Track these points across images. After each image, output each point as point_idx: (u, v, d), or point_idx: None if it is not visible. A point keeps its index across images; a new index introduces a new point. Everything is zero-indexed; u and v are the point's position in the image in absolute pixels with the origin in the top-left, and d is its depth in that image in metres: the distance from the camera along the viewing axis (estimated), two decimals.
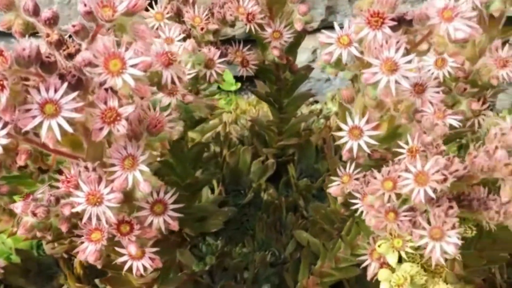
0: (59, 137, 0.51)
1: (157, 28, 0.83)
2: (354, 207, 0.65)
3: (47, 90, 0.51)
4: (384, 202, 0.59)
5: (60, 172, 0.60)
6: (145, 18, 0.83)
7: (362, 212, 0.64)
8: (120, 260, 0.67)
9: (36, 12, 0.55)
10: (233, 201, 1.20)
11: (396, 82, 0.57)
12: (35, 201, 0.63)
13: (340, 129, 0.69)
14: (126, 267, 0.67)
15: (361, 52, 0.62)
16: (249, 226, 1.18)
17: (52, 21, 0.54)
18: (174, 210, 0.68)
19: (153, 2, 0.85)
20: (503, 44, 0.82)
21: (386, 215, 0.61)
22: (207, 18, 0.83)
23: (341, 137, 0.68)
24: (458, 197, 0.61)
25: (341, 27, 0.64)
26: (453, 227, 0.55)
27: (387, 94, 0.58)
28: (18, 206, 0.61)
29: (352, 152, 0.68)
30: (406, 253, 0.66)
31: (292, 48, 0.99)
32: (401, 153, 0.63)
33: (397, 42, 0.57)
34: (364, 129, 0.68)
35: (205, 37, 0.83)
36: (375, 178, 0.60)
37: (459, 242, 0.55)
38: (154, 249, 0.68)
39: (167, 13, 0.84)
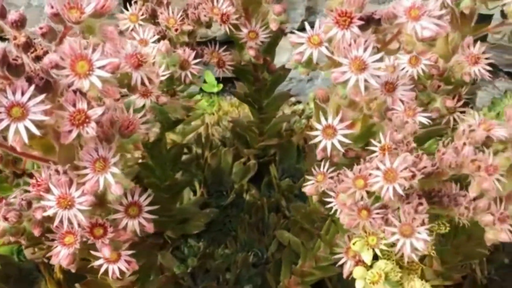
0: (26, 140, 0.50)
1: (132, 30, 0.83)
2: (328, 206, 0.66)
3: (14, 93, 0.51)
4: (356, 200, 0.59)
5: (31, 176, 0.59)
6: (119, 20, 0.82)
7: (336, 210, 0.65)
8: (96, 263, 0.67)
9: (2, 14, 0.55)
10: (216, 203, 1.20)
11: (365, 81, 0.58)
12: (8, 206, 0.62)
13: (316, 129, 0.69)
14: (102, 270, 0.67)
15: (332, 52, 0.63)
16: (232, 227, 1.18)
17: (19, 24, 0.54)
18: (149, 212, 0.68)
19: (128, 4, 0.85)
20: (475, 41, 0.83)
21: (359, 213, 0.61)
22: (182, 19, 0.83)
23: (315, 136, 0.69)
24: (429, 193, 0.62)
25: (312, 27, 0.64)
26: (423, 224, 0.56)
27: (357, 93, 0.59)
28: None
29: (326, 151, 0.68)
30: (381, 250, 0.67)
31: (270, 48, 0.99)
32: (375, 151, 0.64)
33: (366, 41, 0.58)
34: (337, 128, 0.68)
35: (180, 38, 0.83)
36: (347, 176, 0.61)
37: (429, 238, 0.56)
38: (130, 252, 0.67)
39: (142, 14, 0.84)
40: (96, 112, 0.53)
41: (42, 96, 0.51)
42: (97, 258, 0.66)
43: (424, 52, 0.60)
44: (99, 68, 0.50)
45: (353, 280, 0.70)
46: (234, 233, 1.16)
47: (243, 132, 1.21)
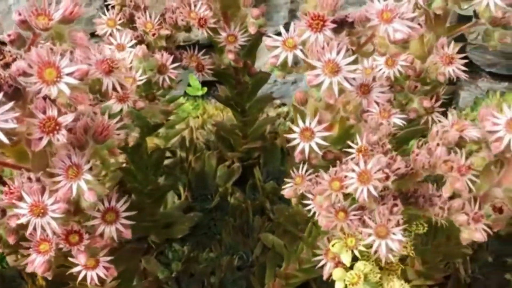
0: None
1: (110, 35, 0.82)
2: (307, 208, 0.66)
3: None
4: (332, 202, 0.59)
5: (3, 183, 0.59)
6: (96, 25, 0.82)
7: (315, 213, 0.65)
8: (75, 270, 0.66)
9: None
10: (200, 206, 1.20)
11: (339, 83, 0.58)
12: None
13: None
14: (80, 277, 0.66)
15: (307, 55, 0.63)
16: (216, 230, 1.18)
17: None
18: (128, 217, 0.67)
19: (105, 9, 0.85)
20: (456, 41, 0.83)
21: (336, 214, 0.62)
22: (160, 23, 0.83)
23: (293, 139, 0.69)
24: (406, 194, 0.62)
25: (287, 30, 0.64)
26: (398, 224, 0.56)
27: (331, 95, 0.59)
28: None
29: (304, 153, 0.68)
30: (360, 251, 0.67)
31: (250, 52, 0.99)
32: (352, 153, 0.64)
33: (339, 44, 0.58)
34: (315, 131, 0.68)
35: (158, 42, 0.83)
36: (323, 178, 0.61)
37: (404, 239, 0.56)
38: (109, 258, 0.67)
39: (119, 19, 0.83)
40: (66, 119, 0.53)
41: (11, 104, 0.50)
42: (76, 264, 0.65)
43: (397, 54, 0.60)
44: (67, 74, 0.49)
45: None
46: (218, 237, 1.16)
47: (227, 135, 1.20)
